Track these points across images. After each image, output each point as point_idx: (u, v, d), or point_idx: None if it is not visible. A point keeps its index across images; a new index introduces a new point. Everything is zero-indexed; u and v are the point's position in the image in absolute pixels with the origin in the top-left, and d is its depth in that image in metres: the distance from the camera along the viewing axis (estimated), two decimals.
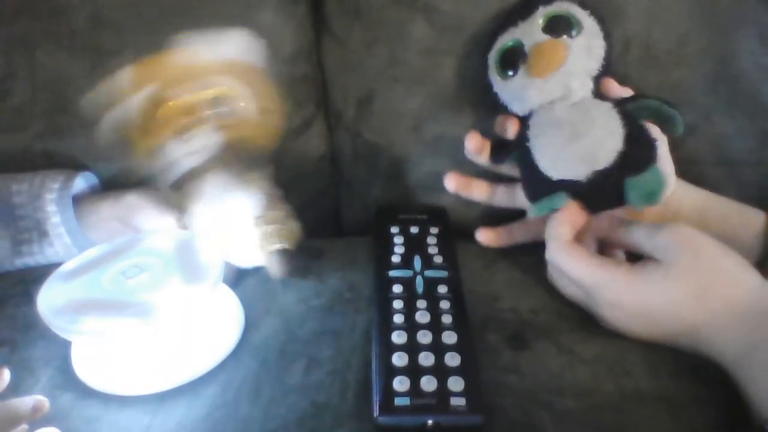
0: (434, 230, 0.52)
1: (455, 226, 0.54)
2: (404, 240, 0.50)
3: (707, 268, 0.38)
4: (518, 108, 0.48)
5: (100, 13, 0.52)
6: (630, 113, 0.44)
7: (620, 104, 0.44)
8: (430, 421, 0.35)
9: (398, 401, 0.35)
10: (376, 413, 0.35)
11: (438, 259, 0.48)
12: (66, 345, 0.41)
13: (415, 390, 0.36)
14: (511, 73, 0.47)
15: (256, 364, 0.41)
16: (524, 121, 0.47)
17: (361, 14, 0.55)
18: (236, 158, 0.44)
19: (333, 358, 0.41)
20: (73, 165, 0.54)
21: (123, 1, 0.52)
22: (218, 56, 0.44)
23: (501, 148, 0.49)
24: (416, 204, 0.58)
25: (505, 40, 0.48)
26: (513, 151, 0.48)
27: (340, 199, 0.63)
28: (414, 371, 0.37)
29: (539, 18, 0.46)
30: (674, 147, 0.48)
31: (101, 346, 0.40)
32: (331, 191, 0.63)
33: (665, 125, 0.44)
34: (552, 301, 0.46)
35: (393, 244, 0.50)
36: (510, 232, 0.52)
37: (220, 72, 0.43)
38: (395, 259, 0.48)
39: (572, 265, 0.42)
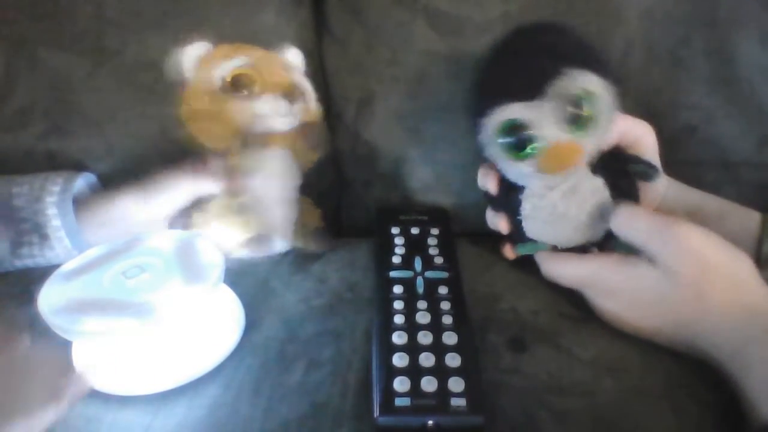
0: (435, 231, 0.52)
1: (456, 227, 0.54)
2: (405, 241, 0.50)
3: (709, 273, 0.38)
4: (512, 177, 0.44)
5: (103, 14, 0.52)
6: (618, 173, 0.43)
7: (608, 169, 0.43)
8: (430, 422, 0.35)
9: (399, 402, 0.35)
10: (376, 413, 0.35)
11: (438, 260, 0.48)
12: (66, 344, 0.41)
13: (415, 390, 0.36)
14: (516, 151, 0.41)
15: (257, 364, 0.41)
16: (514, 188, 0.45)
17: (361, 15, 0.55)
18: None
19: (333, 358, 0.41)
20: (75, 165, 0.54)
21: (125, 1, 0.52)
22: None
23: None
24: (417, 205, 0.58)
25: (508, 113, 0.40)
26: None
27: (341, 200, 0.63)
28: (414, 372, 0.37)
29: (557, 101, 0.39)
30: (674, 149, 0.48)
31: (102, 346, 0.40)
32: (331, 192, 0.63)
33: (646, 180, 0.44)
34: (552, 302, 0.46)
35: (394, 245, 0.50)
36: None
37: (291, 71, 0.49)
38: (396, 259, 0.48)
39: (563, 270, 0.44)
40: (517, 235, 0.47)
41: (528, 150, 0.40)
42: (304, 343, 0.42)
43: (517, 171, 0.43)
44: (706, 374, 0.38)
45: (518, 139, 0.40)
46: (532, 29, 0.42)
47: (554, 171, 0.41)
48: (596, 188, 0.43)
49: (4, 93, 0.52)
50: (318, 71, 0.59)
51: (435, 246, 0.50)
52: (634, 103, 0.53)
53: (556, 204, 0.43)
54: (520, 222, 0.46)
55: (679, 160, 0.48)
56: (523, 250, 0.48)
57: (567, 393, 0.38)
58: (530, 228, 0.46)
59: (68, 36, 0.52)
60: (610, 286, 0.42)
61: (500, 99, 0.40)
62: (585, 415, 0.37)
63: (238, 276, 0.48)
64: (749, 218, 0.45)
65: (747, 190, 0.53)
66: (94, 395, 0.38)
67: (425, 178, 0.57)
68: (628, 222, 0.41)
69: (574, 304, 0.45)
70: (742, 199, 0.47)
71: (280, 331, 0.43)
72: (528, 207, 0.45)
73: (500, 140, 0.41)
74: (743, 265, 0.38)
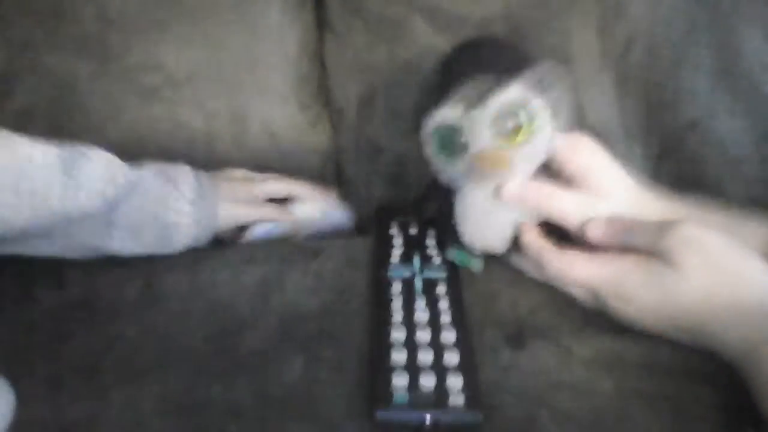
0: (434, 230, 0.51)
1: None
2: (403, 239, 0.50)
3: (714, 269, 0.37)
4: (446, 179, 0.46)
5: (105, 14, 0.53)
6: None
7: None
8: (428, 418, 0.35)
9: (397, 398, 0.35)
10: (374, 410, 0.35)
11: (437, 260, 0.48)
12: None
13: (413, 387, 0.36)
14: (447, 153, 0.44)
15: (256, 364, 0.41)
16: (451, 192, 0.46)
17: (362, 13, 0.56)
18: None
19: (332, 357, 0.41)
20: None
21: (128, 2, 0.53)
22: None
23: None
24: (416, 204, 0.58)
25: (444, 117, 0.43)
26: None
27: (342, 198, 0.63)
28: (412, 369, 0.37)
29: (491, 110, 0.41)
30: (677, 145, 0.47)
31: None
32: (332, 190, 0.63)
33: None
34: (551, 300, 0.45)
35: (392, 244, 0.50)
36: None
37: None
38: (394, 258, 0.48)
39: (578, 272, 0.42)
40: (453, 235, 0.47)
41: (457, 152, 0.43)
42: (302, 342, 0.42)
43: (450, 173, 0.44)
44: (707, 374, 0.38)
45: (451, 141, 0.43)
46: (474, 44, 0.48)
47: (478, 178, 0.43)
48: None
49: (5, 94, 0.53)
50: (321, 70, 0.59)
51: (434, 245, 0.50)
52: (635, 98, 0.53)
53: (483, 204, 0.44)
54: (455, 224, 0.46)
55: (681, 156, 0.47)
56: (455, 256, 0.47)
57: (566, 391, 0.38)
58: (463, 229, 0.46)
59: (70, 37, 0.53)
60: (621, 291, 0.40)
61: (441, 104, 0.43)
62: (584, 413, 0.36)
63: (234, 275, 0.49)
64: (759, 231, 0.43)
65: (752, 187, 0.53)
66: None
67: (425, 177, 0.57)
68: (622, 232, 0.41)
69: (573, 301, 0.45)
70: (748, 197, 0.47)
71: (279, 331, 0.43)
72: (460, 208, 0.45)
73: (435, 139, 0.44)
74: (753, 266, 0.37)
